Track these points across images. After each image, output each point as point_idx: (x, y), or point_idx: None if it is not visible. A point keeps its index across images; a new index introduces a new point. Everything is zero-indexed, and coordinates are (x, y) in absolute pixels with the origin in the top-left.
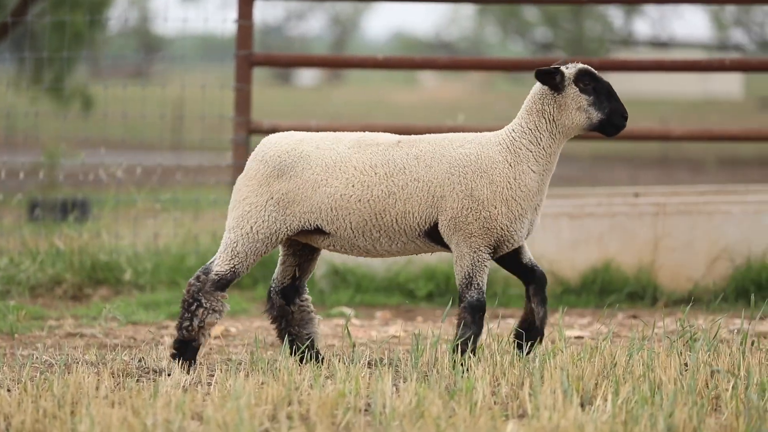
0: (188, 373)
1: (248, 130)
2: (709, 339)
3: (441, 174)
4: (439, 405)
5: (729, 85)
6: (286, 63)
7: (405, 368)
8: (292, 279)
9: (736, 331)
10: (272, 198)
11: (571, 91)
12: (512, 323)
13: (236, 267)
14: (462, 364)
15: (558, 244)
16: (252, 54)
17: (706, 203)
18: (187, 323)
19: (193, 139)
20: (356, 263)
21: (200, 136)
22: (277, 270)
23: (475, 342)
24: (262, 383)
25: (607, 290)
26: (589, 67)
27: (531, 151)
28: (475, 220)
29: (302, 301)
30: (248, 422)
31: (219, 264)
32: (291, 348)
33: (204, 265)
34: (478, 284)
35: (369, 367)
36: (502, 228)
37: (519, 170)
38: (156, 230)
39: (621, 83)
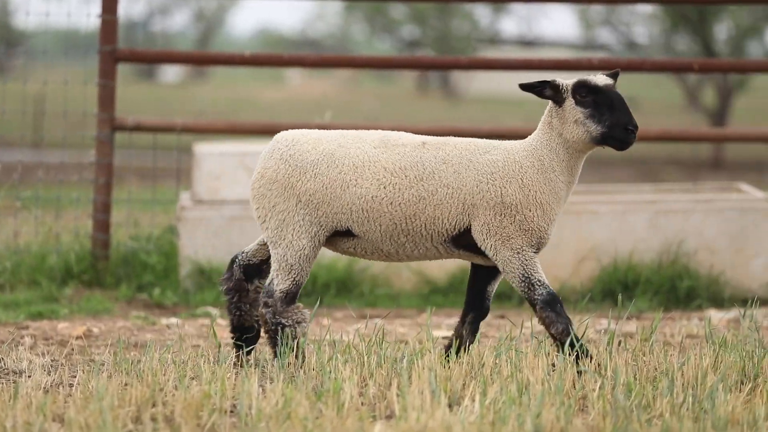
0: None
1: (112, 127)
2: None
3: (470, 181)
4: (306, 406)
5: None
6: (152, 59)
7: (272, 369)
8: (260, 260)
9: (603, 331)
10: (300, 201)
11: (569, 103)
12: (379, 323)
13: (296, 279)
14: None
15: None
16: (116, 49)
17: (574, 203)
18: (284, 348)
19: (55, 136)
20: (221, 262)
21: (62, 132)
22: (251, 245)
23: (568, 334)
24: (126, 384)
25: None
26: (590, 79)
27: (554, 161)
28: (511, 223)
29: (260, 283)
30: (111, 424)
31: (279, 282)
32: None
33: (265, 288)
34: (539, 281)
35: (235, 368)
36: (539, 229)
37: (547, 176)
38: (16, 228)
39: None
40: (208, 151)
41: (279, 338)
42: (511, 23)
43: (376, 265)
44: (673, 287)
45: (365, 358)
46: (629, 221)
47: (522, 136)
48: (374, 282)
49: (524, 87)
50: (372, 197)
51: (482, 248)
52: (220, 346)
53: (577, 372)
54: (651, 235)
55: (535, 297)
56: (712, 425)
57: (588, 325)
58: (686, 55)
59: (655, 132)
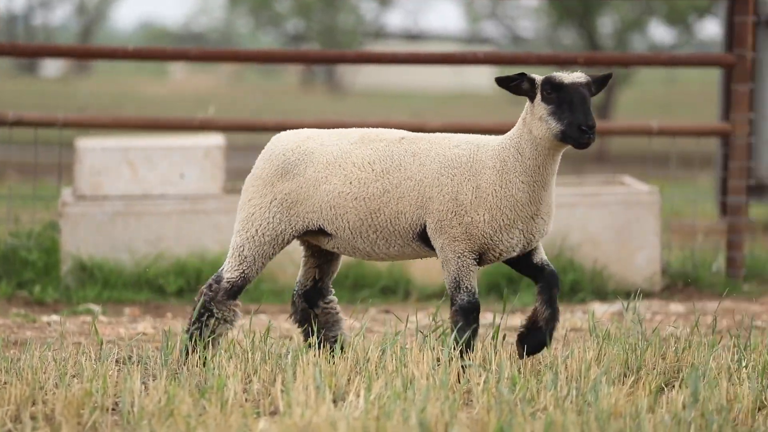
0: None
1: None
2: None
3: (431, 173)
4: (190, 403)
5: (481, 78)
6: (33, 53)
7: (154, 366)
8: (313, 281)
9: (488, 325)
10: (276, 199)
11: (537, 99)
12: (265, 319)
13: (245, 272)
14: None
15: None
16: None
17: None
18: (197, 333)
19: None
20: (104, 258)
21: None
22: (299, 273)
23: (468, 343)
24: (5, 383)
25: (360, 285)
26: (556, 75)
27: (518, 161)
28: (459, 224)
29: (326, 303)
30: None
31: (228, 270)
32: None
33: (215, 273)
34: (467, 287)
35: (117, 365)
36: (484, 236)
37: (506, 179)
38: None
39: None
40: (90, 146)
41: (199, 321)
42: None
43: None
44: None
45: (249, 354)
46: None
47: (412, 129)
48: (259, 278)
49: (501, 81)
50: (338, 193)
51: (434, 245)
52: (102, 343)
53: (462, 366)
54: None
55: (457, 299)
56: (596, 418)
57: None
58: (571, 49)
59: None
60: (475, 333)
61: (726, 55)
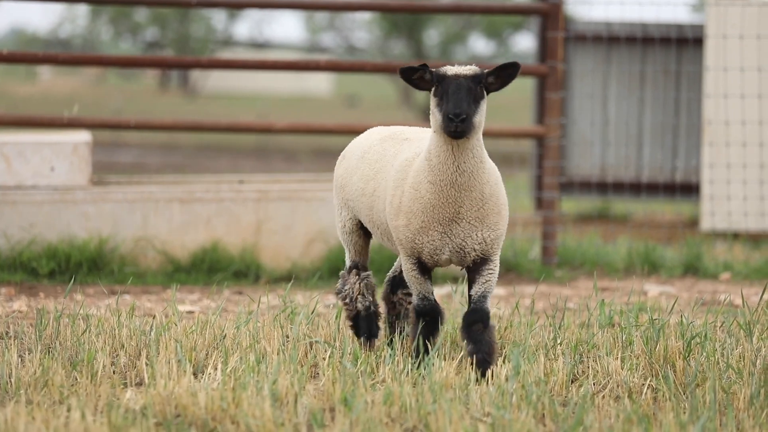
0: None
1: None
2: (308, 313)
3: (391, 176)
4: (62, 375)
5: (320, 83)
6: None
7: (29, 341)
8: (401, 270)
9: (331, 306)
10: (336, 184)
11: (432, 92)
12: (129, 299)
13: (353, 259)
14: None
15: (170, 226)
16: None
17: (304, 191)
18: (346, 304)
19: None
20: None
21: None
22: (397, 261)
23: (419, 340)
24: None
25: (215, 269)
26: (444, 67)
27: (426, 160)
28: (393, 228)
29: (404, 294)
30: None
31: (346, 258)
32: (386, 332)
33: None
34: (416, 291)
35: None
36: (405, 240)
37: (415, 181)
38: None
39: (223, 80)
40: None
41: (343, 296)
42: (243, 27)
43: (124, 245)
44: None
45: (117, 330)
46: None
47: (260, 130)
48: (123, 261)
49: (404, 72)
50: (356, 188)
51: None
52: None
53: (309, 343)
54: None
55: (413, 299)
56: (429, 389)
57: (318, 301)
58: (400, 58)
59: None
60: (427, 334)
61: (540, 66)
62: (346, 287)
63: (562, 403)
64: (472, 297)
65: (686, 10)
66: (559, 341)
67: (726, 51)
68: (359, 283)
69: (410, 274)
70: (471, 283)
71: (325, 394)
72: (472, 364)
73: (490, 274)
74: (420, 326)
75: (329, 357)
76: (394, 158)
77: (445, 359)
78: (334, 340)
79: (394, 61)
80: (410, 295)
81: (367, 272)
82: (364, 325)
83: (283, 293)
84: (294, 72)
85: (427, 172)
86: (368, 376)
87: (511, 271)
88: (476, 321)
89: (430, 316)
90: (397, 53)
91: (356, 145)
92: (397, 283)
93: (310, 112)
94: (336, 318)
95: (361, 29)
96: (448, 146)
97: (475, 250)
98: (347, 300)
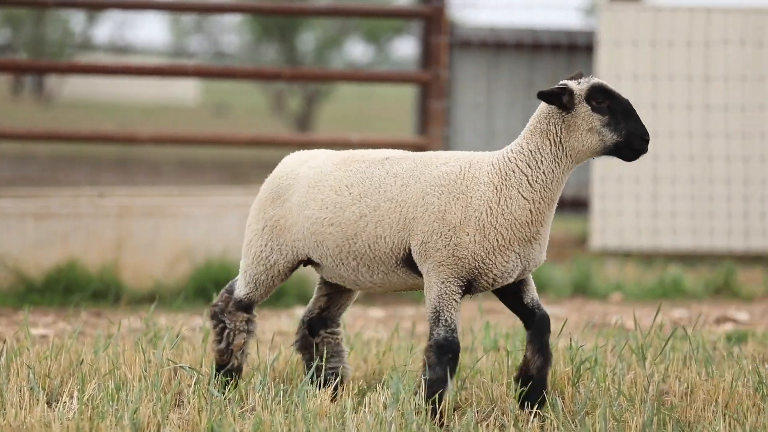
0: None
1: None
2: (172, 337)
3: (415, 193)
4: None
5: (186, 90)
6: None
7: None
8: (320, 310)
9: (198, 328)
10: (267, 225)
11: (583, 110)
12: None
13: (250, 294)
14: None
15: (23, 243)
16: None
17: (169, 206)
18: (219, 346)
19: None
20: None
21: None
22: (311, 299)
23: (438, 387)
24: None
25: (72, 289)
26: (604, 83)
27: (526, 176)
28: (445, 246)
29: (327, 332)
30: None
31: (239, 287)
32: (315, 379)
33: (229, 283)
34: (446, 321)
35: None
36: (474, 258)
37: (506, 195)
38: None
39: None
40: None
41: (217, 335)
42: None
43: None
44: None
45: None
46: (222, 222)
47: (122, 140)
48: None
49: (544, 95)
50: (316, 219)
51: (421, 271)
52: None
53: (174, 369)
54: (242, 236)
55: (434, 333)
56: (302, 417)
57: (183, 323)
58: (273, 64)
59: (246, 137)
60: (444, 378)
61: (422, 73)
62: (229, 326)
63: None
64: (530, 304)
65: (578, 16)
66: None
67: (619, 58)
68: (243, 337)
69: (450, 299)
70: (519, 296)
71: (191, 423)
72: (536, 374)
73: (530, 279)
74: (446, 365)
75: (195, 384)
76: (394, 178)
77: (320, 386)
78: (201, 366)
79: (265, 68)
80: (335, 333)
81: (337, 325)
82: (227, 377)
83: (145, 315)
84: (159, 78)
85: (526, 187)
86: (237, 403)
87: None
88: (547, 330)
89: (454, 353)
90: (268, 59)
91: (293, 179)
92: (316, 323)
93: (175, 121)
94: (203, 342)
95: (230, 33)
96: (573, 166)
97: (530, 272)
98: (221, 345)
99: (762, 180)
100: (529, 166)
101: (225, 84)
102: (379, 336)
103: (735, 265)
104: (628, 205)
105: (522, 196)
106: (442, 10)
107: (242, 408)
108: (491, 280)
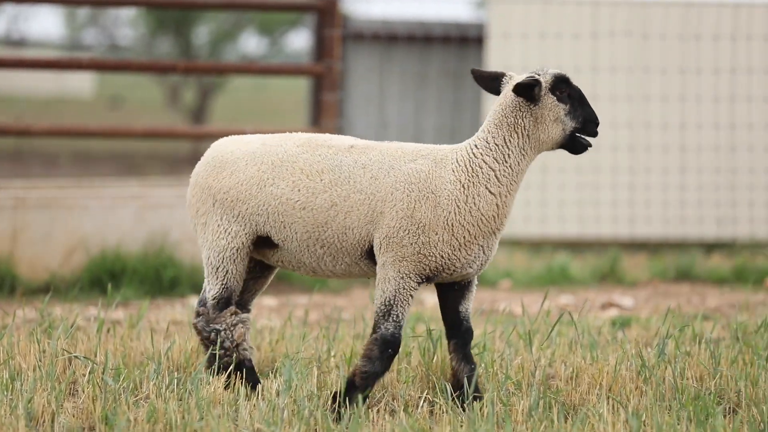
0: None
1: None
2: (67, 327)
3: (385, 188)
4: None
5: (82, 84)
6: None
7: None
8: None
9: (92, 318)
10: (216, 200)
11: (549, 101)
12: None
13: (224, 283)
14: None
15: None
16: None
17: (65, 197)
18: (222, 353)
19: None
20: None
21: None
22: None
23: (374, 381)
24: None
25: None
26: (563, 73)
27: (493, 170)
28: (411, 243)
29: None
30: None
31: (210, 288)
32: (210, 363)
33: (199, 297)
34: (397, 316)
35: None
36: (441, 256)
37: (473, 192)
38: None
39: None
40: None
41: (215, 345)
42: None
43: None
44: (158, 276)
45: None
46: (117, 214)
47: (16, 133)
48: None
49: (520, 87)
50: (286, 199)
51: (377, 262)
52: None
53: (68, 359)
54: (137, 227)
55: (381, 327)
56: (196, 405)
57: (78, 313)
58: (168, 57)
59: (141, 129)
60: (381, 373)
61: (315, 65)
62: (221, 329)
63: (336, 419)
64: (462, 314)
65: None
66: (332, 353)
67: (509, 50)
68: (241, 328)
69: (407, 295)
70: (458, 300)
71: (85, 412)
72: (469, 385)
73: (474, 287)
74: (386, 361)
75: (89, 373)
76: (363, 169)
77: (213, 374)
78: (95, 355)
79: (160, 60)
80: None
81: (248, 311)
82: (251, 378)
83: (40, 306)
84: (55, 71)
85: (494, 182)
86: (131, 392)
87: (283, 281)
88: (470, 341)
89: (395, 350)
90: (163, 52)
91: (241, 154)
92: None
93: (71, 113)
94: (97, 332)
95: (125, 26)
96: (534, 158)
97: (488, 263)
98: (226, 345)
99: (646, 169)
100: (497, 161)
101: (121, 77)
102: (272, 324)
103: (620, 251)
104: (517, 195)
105: (489, 191)
106: (335, 3)
107: (136, 396)
108: (452, 272)
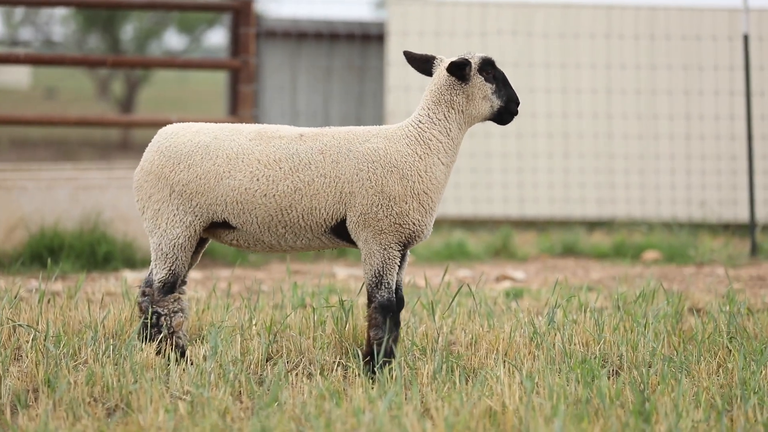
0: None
1: None
2: (10, 298)
3: (348, 170)
4: None
5: (19, 76)
6: None
7: None
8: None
9: (33, 290)
10: (175, 191)
11: (477, 80)
12: None
13: (172, 268)
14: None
15: None
16: None
17: (4, 179)
18: (160, 335)
19: None
20: None
21: None
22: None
23: (388, 343)
24: None
25: None
26: (490, 56)
27: (441, 143)
28: (386, 216)
29: (178, 291)
30: None
31: (157, 271)
32: (142, 333)
33: (145, 278)
34: (387, 283)
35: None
36: (414, 223)
37: (429, 162)
38: None
39: None
40: None
41: (154, 327)
42: None
43: None
44: (93, 252)
45: None
46: (53, 195)
47: None
48: None
49: (453, 66)
50: (245, 189)
51: (354, 239)
52: None
53: (13, 327)
54: (73, 207)
55: (377, 296)
56: (131, 369)
57: (21, 286)
58: (97, 52)
59: (74, 117)
60: (391, 335)
61: (233, 60)
62: (163, 313)
63: (258, 381)
64: (398, 284)
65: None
66: (254, 322)
67: (407, 47)
68: (181, 317)
69: (393, 263)
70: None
71: (29, 375)
72: (392, 345)
73: (407, 259)
74: (390, 322)
75: (32, 340)
76: (322, 155)
77: (145, 340)
78: (37, 324)
79: (91, 55)
80: (182, 292)
81: (184, 293)
82: (177, 352)
83: None
84: None
85: (443, 153)
86: (71, 357)
87: (207, 256)
88: (402, 308)
89: (394, 311)
90: (93, 47)
91: (195, 147)
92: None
93: (9, 104)
94: (38, 302)
95: (58, 24)
96: (466, 131)
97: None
98: (163, 332)
99: (534, 154)
100: (442, 134)
101: (55, 70)
102: (198, 295)
103: (511, 229)
104: None
105: (441, 161)
106: (250, 3)
107: (76, 361)
108: (420, 239)
